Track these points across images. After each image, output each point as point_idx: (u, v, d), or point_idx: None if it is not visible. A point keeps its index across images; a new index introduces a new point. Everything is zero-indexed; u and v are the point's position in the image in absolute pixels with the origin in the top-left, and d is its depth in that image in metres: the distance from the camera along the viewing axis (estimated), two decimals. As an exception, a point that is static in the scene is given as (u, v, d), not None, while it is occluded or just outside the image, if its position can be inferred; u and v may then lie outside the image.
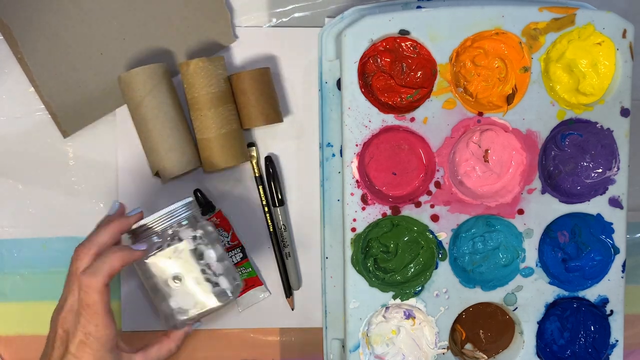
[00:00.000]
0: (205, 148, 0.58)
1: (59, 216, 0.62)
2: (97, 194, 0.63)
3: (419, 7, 0.58)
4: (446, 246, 0.59)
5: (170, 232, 0.51)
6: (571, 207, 0.59)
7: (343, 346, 0.60)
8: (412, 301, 0.59)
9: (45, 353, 0.50)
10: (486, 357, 0.63)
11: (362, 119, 0.57)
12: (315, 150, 0.62)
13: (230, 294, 0.53)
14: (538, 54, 0.57)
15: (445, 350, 0.60)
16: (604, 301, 0.60)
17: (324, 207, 0.61)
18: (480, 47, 0.58)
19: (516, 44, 0.57)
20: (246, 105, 0.59)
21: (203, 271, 0.52)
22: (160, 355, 0.52)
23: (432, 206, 0.58)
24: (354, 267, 0.58)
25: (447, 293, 0.59)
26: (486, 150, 0.60)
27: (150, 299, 0.57)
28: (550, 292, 0.60)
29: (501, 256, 0.60)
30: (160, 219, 0.51)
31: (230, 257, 0.62)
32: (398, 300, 0.58)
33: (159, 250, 0.51)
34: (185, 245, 0.51)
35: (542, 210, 0.59)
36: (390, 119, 0.57)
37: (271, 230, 0.63)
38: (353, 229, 0.57)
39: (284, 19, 0.62)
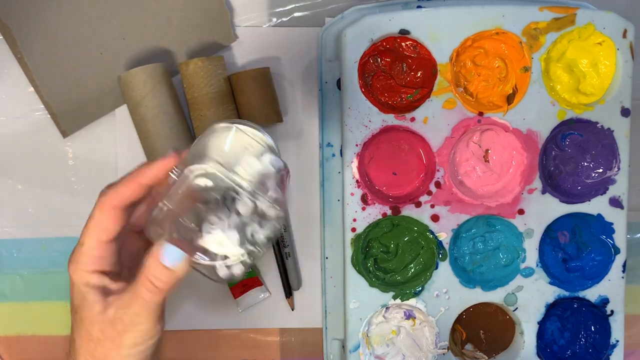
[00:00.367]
0: (205, 148, 0.58)
1: (59, 216, 0.62)
2: (96, 194, 0.62)
3: (419, 6, 0.58)
4: (446, 246, 0.58)
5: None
6: (571, 207, 0.59)
7: (343, 346, 0.60)
8: (412, 301, 0.59)
9: None
10: (486, 358, 0.63)
11: (362, 119, 0.57)
12: (315, 150, 0.62)
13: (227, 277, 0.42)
14: (538, 53, 0.57)
15: (445, 351, 0.60)
16: (605, 301, 0.60)
17: (324, 207, 0.61)
18: (480, 46, 0.58)
19: (516, 44, 0.57)
20: (246, 105, 0.59)
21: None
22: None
23: (432, 206, 0.58)
24: (354, 267, 0.58)
25: (447, 293, 0.59)
26: (486, 150, 0.60)
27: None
28: (551, 292, 0.60)
29: (501, 256, 0.60)
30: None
31: None
32: (398, 301, 0.58)
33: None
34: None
35: (543, 210, 0.59)
36: (391, 119, 0.57)
37: (271, 230, 0.63)
38: (353, 229, 0.57)
39: (284, 19, 0.62)
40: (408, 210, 0.58)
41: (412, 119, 0.57)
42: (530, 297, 0.60)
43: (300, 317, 0.64)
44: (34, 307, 0.63)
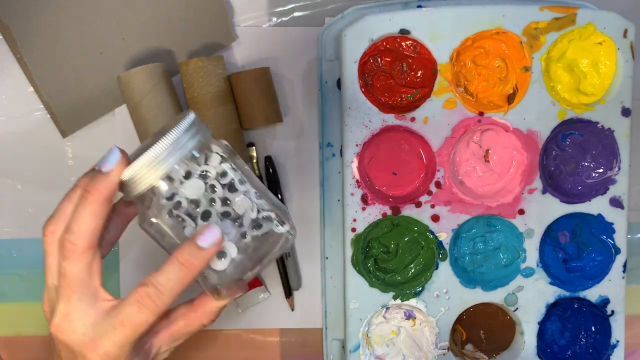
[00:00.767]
0: (205, 148, 0.58)
1: (59, 216, 0.62)
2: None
3: (419, 6, 0.58)
4: (447, 246, 0.58)
5: (181, 171, 0.37)
6: (572, 207, 0.59)
7: (343, 347, 0.60)
8: (412, 301, 0.59)
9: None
10: (487, 358, 0.63)
11: (362, 118, 0.57)
12: (315, 150, 0.62)
13: (289, 233, 0.40)
14: (539, 53, 0.57)
15: (445, 351, 0.60)
16: (605, 301, 0.60)
17: (324, 207, 0.61)
18: (480, 46, 0.58)
19: (517, 44, 0.57)
20: (246, 105, 0.59)
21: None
22: (189, 331, 0.41)
23: (432, 206, 0.58)
24: (354, 267, 0.58)
25: (447, 293, 0.59)
26: (487, 150, 0.60)
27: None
28: (551, 293, 0.60)
29: (502, 256, 0.60)
30: (155, 162, 0.35)
31: None
32: (398, 301, 0.58)
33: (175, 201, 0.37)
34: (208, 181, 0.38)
35: (543, 210, 0.59)
36: (391, 119, 0.57)
37: (271, 230, 0.63)
38: (353, 229, 0.57)
39: (284, 19, 0.62)
40: (408, 210, 0.58)
41: (412, 119, 0.57)
42: (531, 297, 0.60)
43: (300, 317, 0.64)
44: (34, 307, 0.63)
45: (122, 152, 0.37)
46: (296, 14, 0.62)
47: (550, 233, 0.60)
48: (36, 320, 0.63)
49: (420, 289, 0.59)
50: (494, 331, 0.63)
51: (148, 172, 0.35)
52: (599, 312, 0.60)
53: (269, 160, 0.62)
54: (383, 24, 0.56)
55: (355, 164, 0.57)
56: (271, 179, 0.62)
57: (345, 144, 0.57)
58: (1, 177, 0.62)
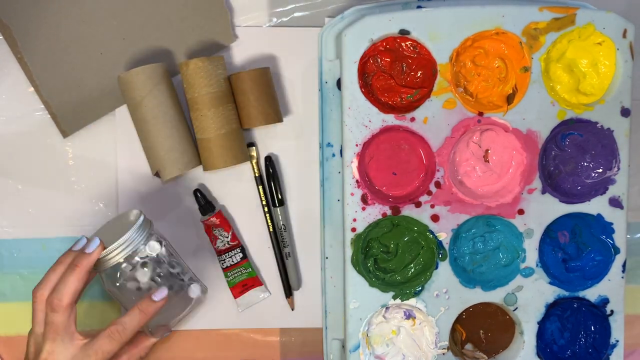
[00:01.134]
0: (205, 148, 0.58)
1: (59, 216, 0.62)
2: (97, 194, 0.63)
3: (419, 6, 0.58)
4: (446, 246, 0.59)
5: (137, 258, 0.54)
6: (571, 207, 0.59)
7: (343, 346, 0.60)
8: (412, 301, 0.59)
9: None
10: (486, 357, 0.63)
11: (362, 119, 0.57)
12: (315, 150, 0.62)
13: (202, 294, 0.57)
14: (538, 53, 0.57)
15: (445, 351, 0.60)
16: (604, 301, 0.60)
17: (324, 207, 0.61)
18: (480, 46, 0.58)
19: (516, 44, 0.57)
20: (246, 105, 0.59)
21: (174, 280, 0.56)
22: None
23: (432, 206, 0.58)
24: (354, 267, 0.58)
25: (447, 293, 0.59)
26: (486, 150, 0.60)
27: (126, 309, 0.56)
28: (551, 292, 0.60)
29: (501, 256, 0.60)
30: (121, 248, 0.53)
31: (230, 257, 0.62)
32: (398, 301, 0.58)
33: (127, 275, 0.54)
34: (149, 267, 0.55)
35: (543, 210, 0.59)
36: (390, 119, 0.57)
37: (271, 230, 0.63)
38: (353, 229, 0.57)
39: (284, 19, 0.62)
40: (408, 210, 0.58)
41: (412, 119, 0.57)
42: (530, 297, 0.60)
43: (300, 317, 0.64)
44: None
45: (101, 241, 0.53)
46: (296, 14, 0.62)
47: (550, 233, 0.60)
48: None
49: (420, 288, 0.59)
50: (493, 331, 0.63)
51: (115, 255, 0.53)
52: (599, 312, 0.60)
53: (269, 160, 0.62)
54: (383, 25, 0.56)
55: (355, 164, 0.57)
56: (271, 179, 0.62)
57: (345, 144, 0.57)
58: (1, 177, 0.62)
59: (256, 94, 0.59)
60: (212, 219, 0.61)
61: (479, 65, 0.58)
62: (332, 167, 0.60)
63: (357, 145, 0.57)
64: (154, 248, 0.55)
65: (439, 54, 0.57)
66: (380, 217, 0.58)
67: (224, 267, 0.62)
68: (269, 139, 0.63)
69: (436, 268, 0.59)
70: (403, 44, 0.58)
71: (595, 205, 0.59)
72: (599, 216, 0.59)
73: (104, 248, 0.53)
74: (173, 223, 0.63)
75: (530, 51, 0.57)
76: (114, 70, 0.60)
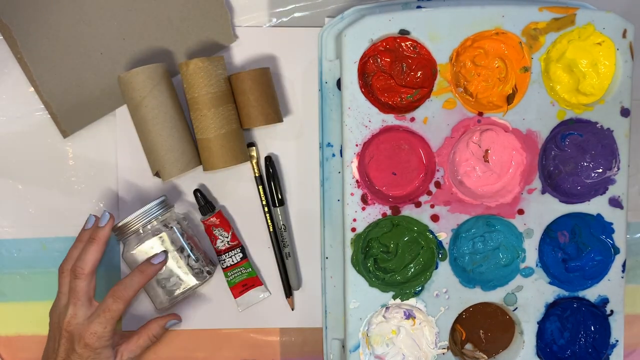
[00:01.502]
0: (205, 148, 0.58)
1: (59, 216, 0.62)
2: (97, 194, 0.63)
3: (419, 7, 0.58)
4: (446, 246, 0.59)
5: (149, 227, 0.59)
6: (571, 207, 0.59)
7: (343, 346, 0.60)
8: (412, 301, 0.59)
9: (50, 349, 0.57)
10: (486, 357, 0.63)
11: (362, 119, 0.57)
12: (315, 150, 0.62)
13: (207, 274, 0.61)
14: (538, 53, 0.57)
15: (445, 350, 0.60)
16: (604, 301, 0.60)
17: (324, 207, 0.61)
18: (480, 47, 0.58)
19: (516, 44, 0.57)
20: (246, 105, 0.59)
21: (182, 257, 0.59)
22: (140, 344, 0.59)
23: (432, 206, 0.58)
24: (354, 267, 0.58)
25: (447, 293, 0.59)
26: (486, 150, 0.60)
27: (144, 289, 0.61)
28: (551, 292, 0.60)
29: (501, 256, 0.60)
30: (139, 217, 0.59)
31: (230, 257, 0.63)
32: (398, 300, 0.58)
33: (143, 243, 0.58)
34: (165, 237, 0.59)
35: (542, 210, 0.59)
36: (390, 119, 0.57)
37: (271, 230, 0.63)
38: (353, 229, 0.57)
39: (284, 19, 0.62)
40: (408, 210, 0.58)
41: (412, 119, 0.57)
42: (530, 297, 0.60)
43: (300, 317, 0.64)
44: (34, 307, 0.63)
45: (111, 214, 0.59)
46: (296, 14, 0.62)
47: (550, 233, 0.60)
48: (36, 320, 0.63)
49: (419, 288, 0.59)
50: (493, 331, 0.63)
51: (133, 225, 0.59)
52: (599, 312, 0.60)
53: (269, 160, 0.62)
54: (383, 25, 0.56)
55: (355, 164, 0.57)
56: (271, 179, 0.62)
57: (345, 144, 0.57)
58: (2, 177, 0.62)
59: (256, 94, 0.59)
60: (212, 219, 0.61)
61: (478, 65, 0.58)
62: (332, 167, 0.60)
63: (357, 145, 0.57)
64: (167, 222, 0.59)
65: (439, 54, 0.57)
66: (380, 217, 0.58)
67: (224, 267, 0.63)
68: (269, 139, 0.63)
69: (436, 268, 0.59)
70: (403, 44, 0.58)
71: (595, 205, 0.59)
72: (599, 216, 0.59)
73: (114, 220, 0.59)
74: (173, 223, 0.63)
75: (530, 51, 0.57)
76: (114, 70, 0.60)
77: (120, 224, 0.59)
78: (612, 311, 0.60)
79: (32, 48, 0.60)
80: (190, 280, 0.59)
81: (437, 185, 0.58)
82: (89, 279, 0.57)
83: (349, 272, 0.58)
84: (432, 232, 0.58)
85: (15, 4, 0.59)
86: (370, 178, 0.59)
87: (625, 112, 0.59)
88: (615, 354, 0.61)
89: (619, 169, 0.59)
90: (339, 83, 0.59)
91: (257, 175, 0.63)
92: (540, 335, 0.61)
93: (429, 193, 0.58)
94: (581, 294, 0.60)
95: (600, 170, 0.60)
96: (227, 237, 0.62)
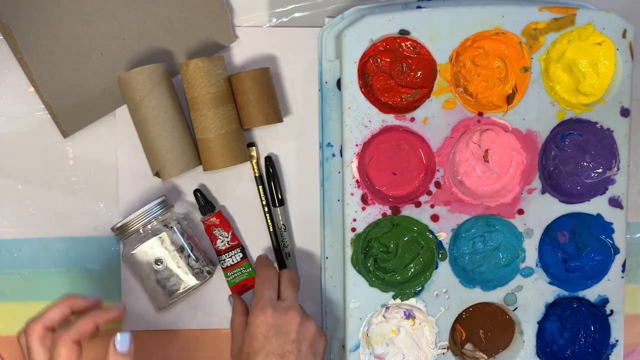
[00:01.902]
0: (205, 148, 0.58)
1: (59, 216, 0.62)
2: (97, 194, 0.63)
3: (419, 7, 0.58)
4: (446, 246, 0.59)
5: (149, 227, 0.58)
6: (571, 207, 0.59)
7: (343, 346, 0.60)
8: (412, 301, 0.59)
9: None
10: (486, 357, 0.63)
11: (362, 119, 0.57)
12: (315, 150, 0.62)
13: (207, 274, 0.60)
14: (538, 54, 0.57)
15: (445, 350, 0.60)
16: (604, 301, 0.60)
17: (324, 207, 0.61)
18: (480, 47, 0.58)
19: (516, 44, 0.57)
20: (246, 105, 0.59)
21: (182, 257, 0.59)
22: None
23: (432, 206, 0.58)
24: (354, 267, 0.58)
25: (447, 293, 0.59)
26: (486, 150, 0.60)
27: (143, 289, 0.61)
28: (550, 292, 0.60)
29: (501, 256, 0.60)
30: (139, 217, 0.58)
31: (230, 257, 0.63)
32: (398, 300, 0.58)
33: (143, 243, 0.58)
34: (165, 237, 0.58)
35: (542, 210, 0.59)
36: (390, 119, 0.57)
37: (271, 230, 0.63)
38: (353, 229, 0.57)
39: (284, 19, 0.62)
40: (408, 210, 0.58)
41: (412, 119, 0.57)
42: (530, 296, 0.60)
43: (300, 317, 0.64)
44: (34, 307, 0.63)
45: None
46: (296, 14, 0.62)
47: (550, 233, 0.60)
48: (36, 320, 0.63)
49: (419, 288, 0.59)
50: (493, 331, 0.63)
51: (133, 224, 0.58)
52: (598, 312, 0.60)
53: (269, 160, 0.62)
54: (383, 25, 0.56)
55: (355, 164, 0.57)
56: (271, 179, 0.62)
57: (345, 144, 0.57)
58: (2, 177, 0.62)
59: (256, 94, 0.59)
60: (212, 219, 0.61)
61: (478, 66, 0.58)
62: (332, 167, 0.60)
63: (357, 145, 0.57)
64: (167, 222, 0.59)
65: (439, 54, 0.57)
66: (380, 217, 0.58)
67: (224, 267, 0.63)
68: (269, 139, 0.63)
69: (436, 268, 0.59)
70: (403, 44, 0.58)
71: (595, 205, 0.59)
72: (599, 216, 0.59)
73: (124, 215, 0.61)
74: (173, 223, 0.63)
75: (530, 51, 0.57)
76: (114, 70, 0.60)
77: (120, 224, 0.59)
78: (612, 311, 0.60)
79: (32, 48, 0.60)
80: (190, 280, 0.59)
81: (437, 185, 0.58)
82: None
83: (349, 272, 0.58)
84: (432, 232, 0.58)
85: (15, 4, 0.59)
86: (370, 178, 0.59)
87: (625, 112, 0.59)
88: (615, 354, 0.61)
89: (619, 169, 0.59)
90: (339, 83, 0.59)
91: (257, 175, 0.63)
92: (540, 335, 0.61)
93: (429, 193, 0.58)
94: (581, 294, 0.60)
95: (600, 170, 0.60)
96: (227, 237, 0.62)
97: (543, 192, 0.59)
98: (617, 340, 0.61)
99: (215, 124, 0.57)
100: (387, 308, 0.59)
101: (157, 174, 0.59)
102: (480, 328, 0.63)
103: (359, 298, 0.58)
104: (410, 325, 0.60)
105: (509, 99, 0.58)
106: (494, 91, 0.58)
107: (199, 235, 0.63)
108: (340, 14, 0.60)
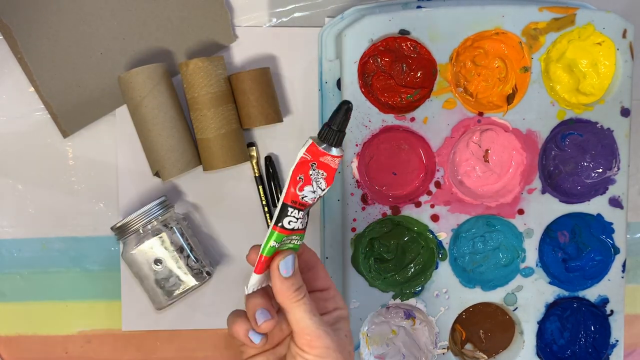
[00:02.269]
0: (205, 148, 0.58)
1: (59, 216, 0.62)
2: (97, 194, 0.63)
3: (419, 7, 0.58)
4: (446, 246, 0.59)
5: (149, 227, 0.58)
6: (571, 207, 0.59)
7: (343, 346, 0.60)
8: (412, 301, 0.59)
9: None
10: (486, 357, 0.63)
11: (362, 119, 0.57)
12: (315, 150, 0.62)
13: (206, 275, 0.60)
14: (538, 53, 0.57)
15: (445, 350, 0.60)
16: (604, 301, 0.60)
17: (324, 207, 0.61)
18: (480, 47, 0.58)
19: (516, 44, 0.57)
20: (246, 105, 0.59)
21: (181, 257, 0.59)
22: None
23: (432, 206, 0.58)
24: (354, 267, 0.58)
25: (447, 293, 0.59)
26: (486, 150, 0.60)
27: (142, 289, 0.61)
28: (551, 292, 0.60)
29: (501, 256, 0.60)
30: (139, 217, 0.58)
31: (303, 217, 0.45)
32: (398, 300, 0.58)
33: (142, 243, 0.58)
34: (165, 237, 0.58)
35: (542, 210, 0.59)
36: (390, 119, 0.57)
37: (271, 230, 0.63)
38: (353, 229, 0.57)
39: (284, 19, 0.62)
40: (408, 210, 0.58)
41: (412, 119, 0.57)
42: (530, 296, 0.60)
43: (300, 317, 0.64)
44: (34, 307, 0.63)
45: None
46: (296, 14, 0.62)
47: (550, 233, 0.60)
48: (36, 320, 0.63)
49: (420, 288, 0.59)
50: (493, 331, 0.63)
51: (133, 224, 0.58)
52: (599, 312, 0.60)
53: (269, 160, 0.62)
54: (383, 25, 0.56)
55: (355, 164, 0.57)
56: (271, 179, 0.62)
57: (345, 144, 0.57)
58: (1, 177, 0.62)
59: (256, 94, 0.59)
60: (329, 157, 0.44)
61: (479, 65, 0.58)
62: (332, 167, 0.60)
63: (357, 145, 0.57)
64: (167, 222, 0.59)
65: (439, 54, 0.57)
66: (380, 217, 0.58)
67: (289, 228, 0.45)
68: (269, 139, 0.63)
69: (436, 268, 0.59)
70: (403, 44, 0.58)
71: (595, 205, 0.59)
72: (599, 216, 0.59)
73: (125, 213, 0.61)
74: (173, 223, 0.63)
75: (530, 51, 0.57)
76: (114, 70, 0.60)
77: (120, 224, 0.59)
78: (612, 311, 0.60)
79: (32, 48, 0.60)
80: (189, 281, 0.59)
81: (437, 185, 0.58)
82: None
83: (349, 272, 0.58)
84: (432, 232, 0.58)
85: (15, 4, 0.59)
86: (370, 178, 0.59)
87: (625, 112, 0.59)
88: (615, 354, 0.61)
89: (619, 169, 0.59)
90: (339, 83, 0.59)
91: (257, 175, 0.63)
92: (540, 335, 0.61)
93: (429, 193, 0.58)
94: (581, 294, 0.60)
95: (600, 170, 0.60)
96: (323, 190, 0.45)
97: (543, 192, 0.59)
98: (617, 340, 0.61)
99: (215, 124, 0.57)
100: (387, 308, 0.59)
101: (157, 174, 0.59)
102: (480, 328, 0.63)
103: (359, 298, 0.58)
104: (410, 325, 0.60)
105: (509, 99, 0.58)
106: (494, 91, 0.58)
107: (198, 236, 0.63)
108: (340, 14, 0.60)
